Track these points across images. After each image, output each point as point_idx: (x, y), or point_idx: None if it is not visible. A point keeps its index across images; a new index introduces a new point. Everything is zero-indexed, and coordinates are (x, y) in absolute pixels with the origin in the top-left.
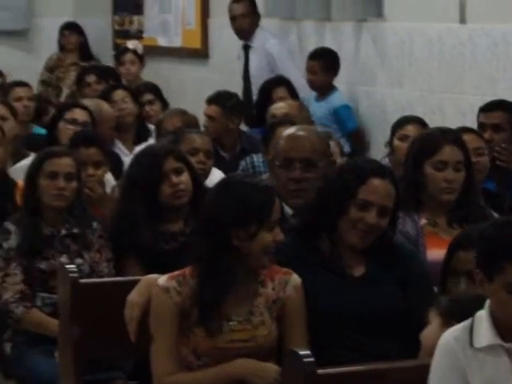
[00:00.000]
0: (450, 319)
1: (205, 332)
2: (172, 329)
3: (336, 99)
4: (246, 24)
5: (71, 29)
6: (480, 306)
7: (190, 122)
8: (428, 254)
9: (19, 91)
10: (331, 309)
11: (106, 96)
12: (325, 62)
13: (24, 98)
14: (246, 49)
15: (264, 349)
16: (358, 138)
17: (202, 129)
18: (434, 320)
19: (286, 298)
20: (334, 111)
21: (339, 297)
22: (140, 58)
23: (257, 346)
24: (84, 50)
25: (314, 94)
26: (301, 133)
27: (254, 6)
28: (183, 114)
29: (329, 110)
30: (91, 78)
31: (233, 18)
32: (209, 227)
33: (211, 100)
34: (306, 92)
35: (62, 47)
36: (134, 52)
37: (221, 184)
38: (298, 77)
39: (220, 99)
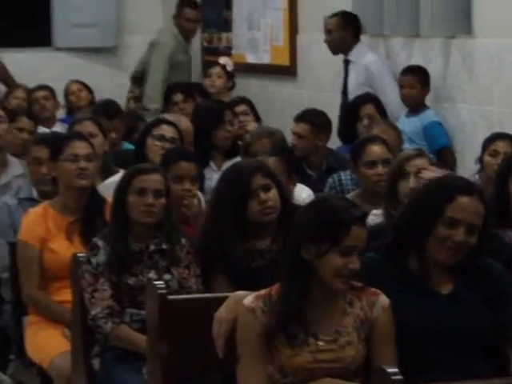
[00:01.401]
0: None
1: (290, 351)
2: (258, 349)
3: (428, 116)
4: (341, 38)
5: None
6: None
7: (277, 142)
8: None
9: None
10: (421, 328)
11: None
12: (420, 77)
13: None
14: (346, 63)
15: (350, 369)
16: (448, 156)
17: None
18: None
19: (374, 319)
20: (424, 128)
21: (428, 316)
22: (228, 74)
23: (343, 366)
24: None
25: (405, 111)
26: None
27: (351, 20)
28: (271, 134)
29: (419, 126)
30: (178, 97)
31: (328, 32)
32: (288, 241)
33: (299, 118)
34: (399, 111)
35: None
36: (223, 67)
37: (311, 201)
38: (395, 95)
39: (308, 117)
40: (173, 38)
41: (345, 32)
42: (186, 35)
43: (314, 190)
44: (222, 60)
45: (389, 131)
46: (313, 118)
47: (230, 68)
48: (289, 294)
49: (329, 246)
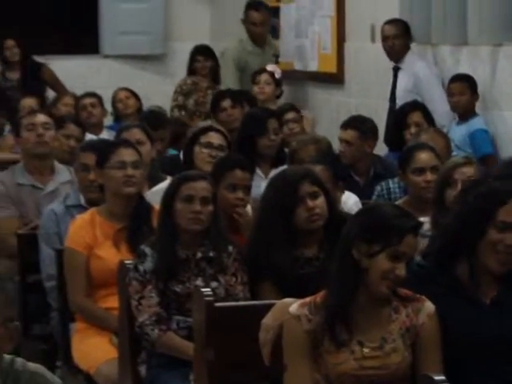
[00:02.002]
0: None
1: (336, 359)
2: (303, 357)
3: (475, 123)
4: (397, 45)
5: (205, 53)
6: None
7: (323, 149)
8: None
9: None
10: (466, 335)
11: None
12: (469, 85)
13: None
14: (396, 70)
15: (396, 376)
16: (491, 163)
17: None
18: None
19: (420, 326)
20: (470, 135)
21: (474, 323)
22: (276, 81)
23: (388, 373)
24: (216, 74)
25: (454, 120)
26: None
27: (407, 28)
28: (317, 142)
29: (466, 133)
30: (227, 103)
31: (385, 39)
32: (339, 243)
33: (347, 124)
34: (446, 119)
35: (194, 71)
36: (271, 74)
37: (368, 205)
38: (443, 103)
39: (355, 123)
40: (239, 44)
41: (400, 39)
42: (255, 39)
43: (361, 196)
44: (270, 67)
45: (437, 138)
46: (360, 125)
47: (277, 75)
48: (337, 292)
49: (381, 247)
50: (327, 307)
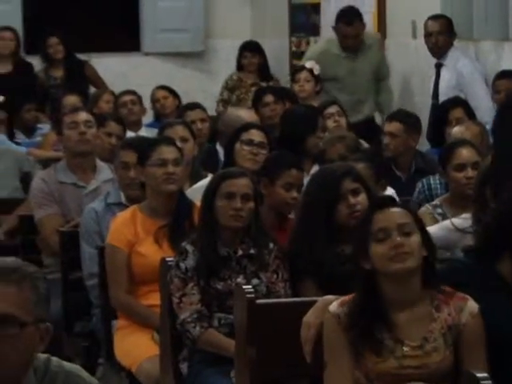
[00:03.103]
0: None
1: (376, 357)
2: (343, 355)
3: None
4: (440, 42)
5: (253, 49)
6: None
7: (351, 145)
8: None
9: (191, 114)
10: (510, 333)
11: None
12: None
13: (197, 120)
14: (438, 67)
15: (436, 375)
16: None
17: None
18: None
19: (463, 325)
20: None
21: None
22: (315, 78)
23: (429, 372)
24: (264, 71)
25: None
26: None
27: (450, 24)
28: (343, 138)
29: None
30: (269, 98)
31: (428, 35)
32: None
33: (392, 117)
34: (489, 115)
35: (242, 67)
36: (310, 71)
37: None
38: (486, 99)
39: (401, 116)
40: (325, 44)
41: (443, 35)
42: (345, 48)
43: (403, 191)
44: (309, 64)
45: (472, 127)
46: (405, 118)
47: (316, 72)
48: (367, 302)
49: (365, 242)
50: (361, 306)
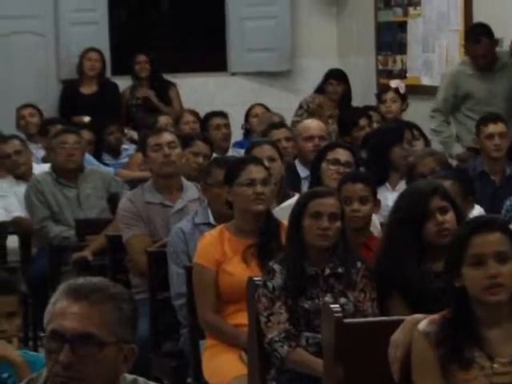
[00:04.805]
0: None
1: (465, 375)
2: (432, 374)
3: None
4: None
5: (338, 77)
6: None
7: (442, 160)
8: None
9: (277, 133)
10: None
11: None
12: None
13: (282, 139)
14: None
15: None
16: None
17: None
18: None
19: None
20: None
21: None
22: (402, 97)
23: None
24: (346, 99)
25: None
26: None
27: None
28: (433, 154)
29: None
30: (363, 121)
31: None
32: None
33: (494, 119)
34: None
35: (323, 91)
36: (396, 90)
37: None
38: None
39: (500, 116)
40: (459, 66)
41: None
42: (479, 68)
43: (497, 195)
44: (394, 83)
45: None
46: (502, 120)
47: (402, 90)
48: (458, 319)
49: (458, 262)
50: (453, 336)
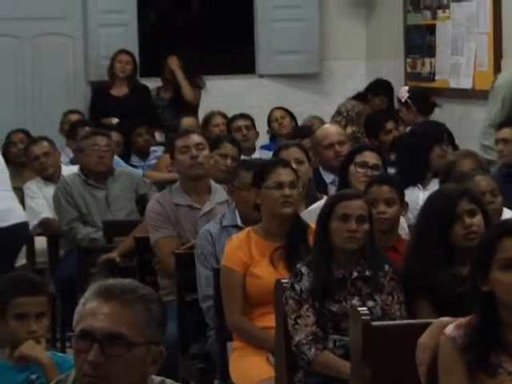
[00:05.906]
0: None
1: (492, 380)
2: (458, 378)
3: None
4: None
5: (379, 90)
6: None
7: (482, 161)
8: None
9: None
10: None
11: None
12: None
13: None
14: None
15: None
16: None
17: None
18: None
19: None
20: None
21: None
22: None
23: None
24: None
25: None
26: None
27: None
28: (474, 155)
29: None
30: (390, 125)
31: None
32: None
33: (502, 125)
34: None
35: (365, 99)
36: (399, 100)
37: None
38: None
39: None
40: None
41: None
42: None
43: None
44: (400, 93)
45: None
46: None
47: (402, 99)
48: (485, 325)
49: (486, 266)
50: (478, 329)
